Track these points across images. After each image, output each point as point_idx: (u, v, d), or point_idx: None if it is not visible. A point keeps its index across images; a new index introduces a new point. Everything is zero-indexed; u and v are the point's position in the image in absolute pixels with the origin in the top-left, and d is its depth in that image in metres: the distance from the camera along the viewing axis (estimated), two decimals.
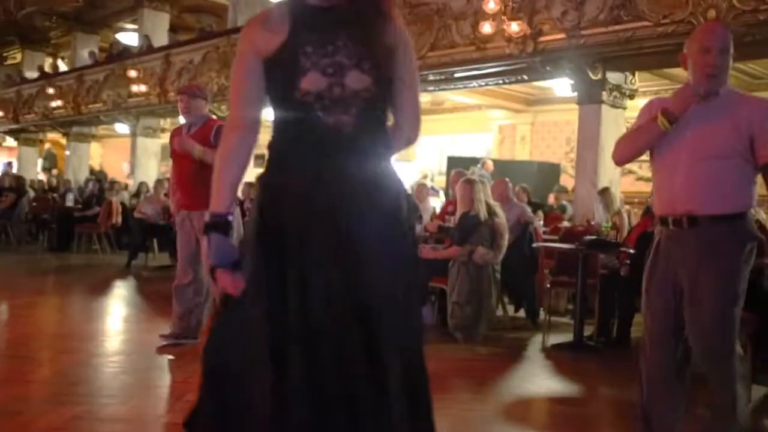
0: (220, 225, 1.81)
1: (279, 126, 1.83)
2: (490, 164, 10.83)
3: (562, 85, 9.52)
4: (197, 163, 4.45)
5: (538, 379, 4.61)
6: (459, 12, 8.35)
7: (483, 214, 5.59)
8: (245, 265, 1.77)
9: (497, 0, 7.77)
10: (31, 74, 19.21)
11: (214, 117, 5.09)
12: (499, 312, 6.14)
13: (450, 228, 6.38)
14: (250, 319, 1.73)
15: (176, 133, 4.81)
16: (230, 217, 1.82)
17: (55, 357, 4.59)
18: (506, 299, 6.44)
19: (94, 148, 19.30)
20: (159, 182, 11.14)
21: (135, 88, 13.52)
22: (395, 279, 1.78)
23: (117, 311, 6.93)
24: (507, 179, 6.99)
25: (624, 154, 2.83)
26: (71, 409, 3.37)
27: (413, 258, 1.91)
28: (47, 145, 20.35)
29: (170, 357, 4.67)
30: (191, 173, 4.53)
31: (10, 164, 19.73)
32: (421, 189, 8.58)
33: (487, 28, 7.89)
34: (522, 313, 6.55)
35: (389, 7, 1.86)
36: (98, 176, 15.54)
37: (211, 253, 1.80)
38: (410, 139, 1.94)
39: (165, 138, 15.18)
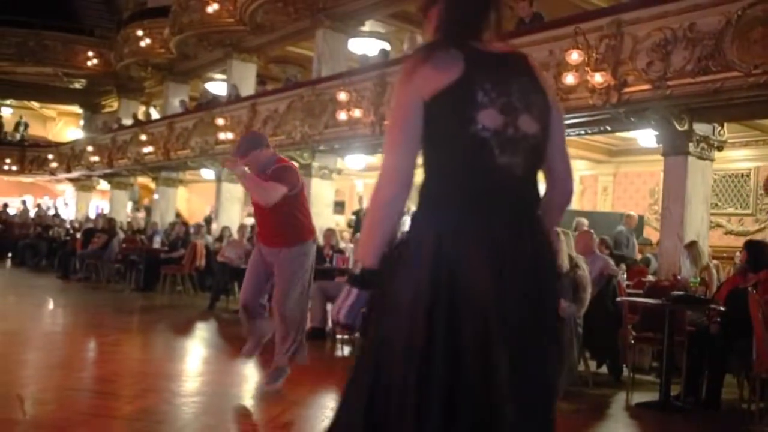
0: (368, 282, 1.75)
1: (444, 166, 1.76)
2: (634, 218, 10.55)
3: (646, 136, 9.34)
4: (277, 211, 4.55)
5: None
6: (541, 63, 8.33)
7: (565, 266, 5.51)
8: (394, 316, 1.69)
9: (580, 51, 7.74)
10: (126, 121, 20.19)
11: (281, 156, 5.13)
12: (581, 367, 5.98)
13: None
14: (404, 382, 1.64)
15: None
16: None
17: (140, 395, 4.70)
18: (588, 354, 6.27)
19: (181, 192, 20.00)
20: (242, 227, 11.43)
21: (222, 135, 13.99)
22: (543, 340, 1.76)
23: (198, 352, 7.08)
24: (592, 231, 6.86)
25: None
26: None
27: (555, 317, 1.87)
28: (135, 187, 21.23)
29: (251, 400, 4.73)
30: (271, 219, 4.63)
31: (102, 210, 20.63)
32: None
33: (569, 79, 7.85)
34: (604, 369, 6.37)
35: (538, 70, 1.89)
36: (207, 219, 15.92)
37: (351, 309, 1.75)
38: (569, 192, 1.96)
39: None
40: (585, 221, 9.59)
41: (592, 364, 6.36)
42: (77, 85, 23.96)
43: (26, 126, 26.25)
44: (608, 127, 8.77)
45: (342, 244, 10.21)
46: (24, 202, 23.16)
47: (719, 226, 11.58)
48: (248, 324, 4.90)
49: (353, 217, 11.36)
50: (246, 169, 4.59)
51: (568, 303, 5.40)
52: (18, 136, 25.51)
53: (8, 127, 26.00)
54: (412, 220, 1.77)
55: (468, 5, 1.84)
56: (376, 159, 14.40)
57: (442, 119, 1.73)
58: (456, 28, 1.81)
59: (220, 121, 14.01)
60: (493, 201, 1.73)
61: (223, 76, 17.40)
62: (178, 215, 18.04)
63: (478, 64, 1.74)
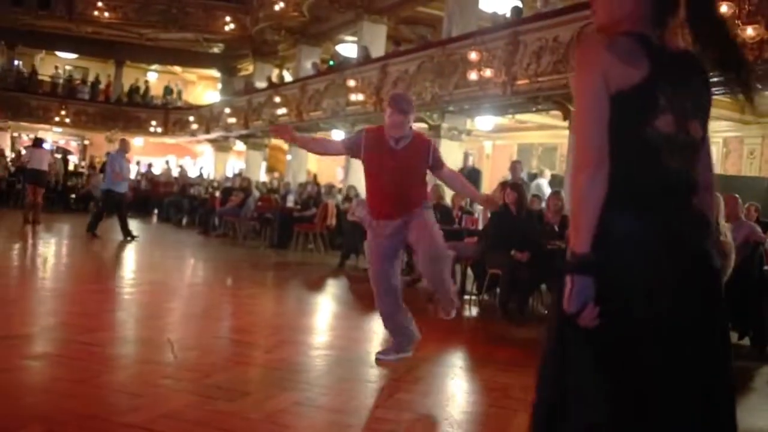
0: (588, 266, 1.70)
1: (615, 167, 1.72)
2: None
3: None
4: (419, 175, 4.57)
5: (766, 415, 4.23)
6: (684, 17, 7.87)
7: None
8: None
9: (730, 3, 7.23)
10: (261, 84, 20.86)
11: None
12: None
13: None
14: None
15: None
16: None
17: (277, 345, 4.92)
18: (729, 324, 5.95)
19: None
20: None
21: (353, 96, 14.19)
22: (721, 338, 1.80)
23: (329, 308, 7.31)
24: (737, 196, 6.47)
25: None
26: (293, 395, 3.61)
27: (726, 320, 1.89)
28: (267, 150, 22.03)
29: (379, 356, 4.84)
30: (410, 185, 4.52)
31: (240, 171, 21.53)
32: None
33: None
34: (747, 340, 6.04)
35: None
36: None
37: (574, 297, 1.69)
38: (713, 168, 1.95)
39: None
40: None
41: (734, 335, 6.06)
42: (215, 50, 24.97)
43: (178, 92, 27.87)
44: (759, 85, 8.18)
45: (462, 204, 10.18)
46: (167, 162, 24.53)
47: None
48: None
49: None
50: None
51: None
52: (176, 102, 27.13)
53: (154, 91, 27.54)
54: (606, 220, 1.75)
55: None
56: (507, 120, 14.16)
57: (620, 118, 1.71)
58: (643, 20, 1.77)
59: (351, 83, 14.21)
60: (664, 206, 1.74)
61: (354, 38, 17.58)
62: (315, 177, 18.51)
63: (661, 64, 1.72)
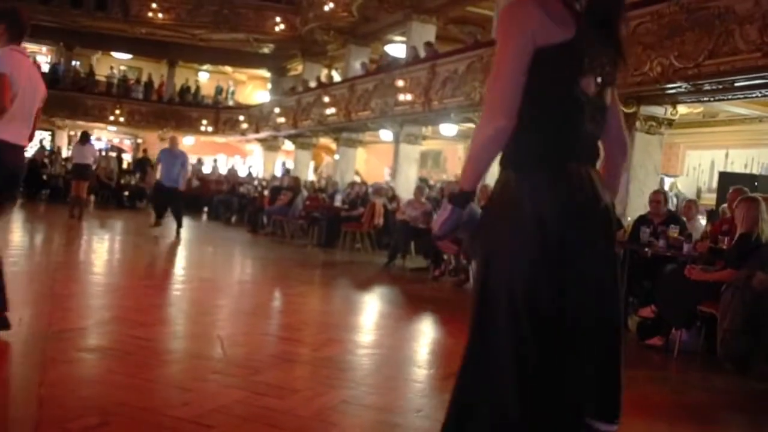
0: (464, 201, 1.93)
1: (541, 123, 1.87)
2: None
3: None
4: None
5: None
6: (744, 15, 7.66)
7: (766, 235, 5.09)
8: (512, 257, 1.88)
9: None
10: (310, 84, 21.00)
11: None
12: None
13: (722, 249, 5.88)
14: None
15: None
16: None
17: (324, 344, 4.94)
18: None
19: (360, 153, 20.57)
20: (419, 188, 11.59)
21: (401, 96, 14.18)
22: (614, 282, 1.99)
23: (377, 307, 7.32)
24: None
25: None
26: (340, 393, 3.63)
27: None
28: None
29: (427, 355, 4.84)
30: None
31: (288, 170, 21.68)
32: (691, 206, 8.00)
33: None
34: None
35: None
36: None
37: (445, 222, 1.94)
38: (627, 150, 2.16)
39: (426, 145, 15.75)
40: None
41: None
42: (265, 50, 25.25)
43: (231, 92, 28.33)
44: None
45: None
46: (215, 161, 24.87)
47: None
48: None
49: None
50: None
51: (766, 275, 5.00)
52: (228, 101, 27.59)
53: (205, 91, 27.97)
54: (506, 179, 1.92)
55: None
56: None
57: (548, 73, 1.82)
58: None
59: (399, 83, 14.19)
60: (579, 164, 1.89)
61: (403, 38, 17.58)
62: (357, 174, 18.58)
63: (585, 29, 1.84)
